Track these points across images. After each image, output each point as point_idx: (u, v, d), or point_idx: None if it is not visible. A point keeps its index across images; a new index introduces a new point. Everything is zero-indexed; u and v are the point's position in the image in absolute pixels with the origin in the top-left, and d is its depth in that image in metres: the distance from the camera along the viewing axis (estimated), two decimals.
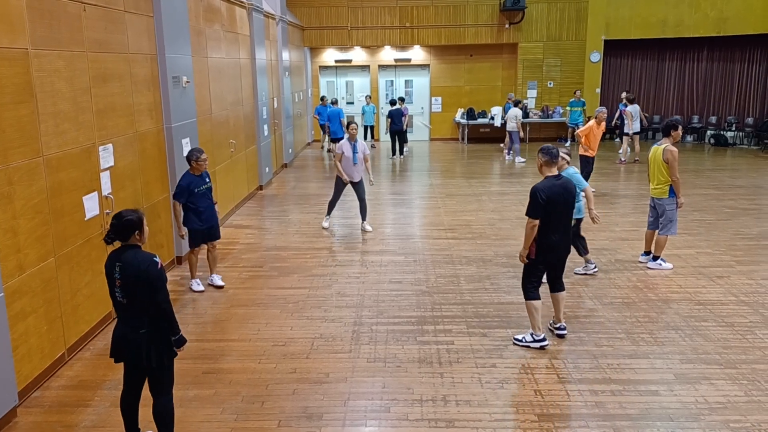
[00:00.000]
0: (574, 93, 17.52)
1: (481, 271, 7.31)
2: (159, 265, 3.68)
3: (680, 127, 7.14)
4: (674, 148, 6.99)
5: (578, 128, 17.43)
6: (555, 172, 5.20)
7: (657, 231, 7.29)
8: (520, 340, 5.40)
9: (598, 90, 18.73)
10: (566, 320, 5.80)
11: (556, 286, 5.51)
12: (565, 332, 5.56)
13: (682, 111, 19.10)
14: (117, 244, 3.79)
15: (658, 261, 7.32)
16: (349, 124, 8.89)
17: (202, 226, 6.63)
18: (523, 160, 15.25)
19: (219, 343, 5.52)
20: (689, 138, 18.72)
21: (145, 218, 3.86)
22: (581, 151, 10.95)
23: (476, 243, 8.49)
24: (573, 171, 6.57)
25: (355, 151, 8.74)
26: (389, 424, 4.29)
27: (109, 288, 3.78)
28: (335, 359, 5.20)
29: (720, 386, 4.69)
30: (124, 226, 3.70)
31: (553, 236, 5.15)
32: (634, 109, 14.80)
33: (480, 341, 5.49)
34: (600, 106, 17.56)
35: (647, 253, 7.50)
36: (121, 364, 3.90)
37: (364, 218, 9.23)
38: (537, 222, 5.08)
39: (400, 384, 4.79)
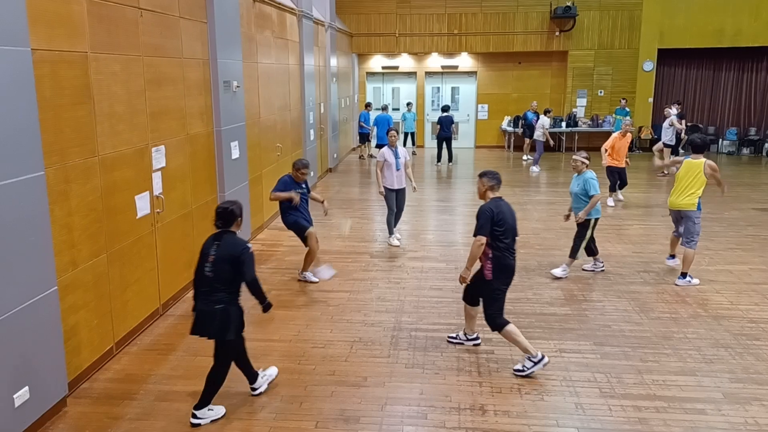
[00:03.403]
0: (620, 101, 17.37)
1: (523, 281, 7.21)
2: (250, 250, 4.35)
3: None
4: (712, 162, 7.19)
5: None
6: (498, 194, 5.13)
7: (684, 245, 7.17)
8: (522, 371, 5.01)
9: (651, 99, 18.28)
10: (611, 334, 5.70)
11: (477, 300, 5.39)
12: (479, 341, 5.55)
13: (739, 123, 18.44)
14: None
15: (687, 278, 7.09)
16: (388, 131, 8.73)
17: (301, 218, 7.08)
18: (537, 170, 14.97)
19: (261, 343, 5.61)
20: (745, 150, 18.06)
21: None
22: (608, 162, 11.09)
23: (519, 252, 8.28)
24: (591, 175, 7.08)
25: (397, 157, 8.55)
26: (426, 431, 4.27)
27: (198, 264, 4.37)
28: (373, 363, 5.22)
29: None
30: (230, 215, 4.41)
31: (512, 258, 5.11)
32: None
33: (521, 351, 5.41)
34: (659, 116, 17.09)
35: (673, 256, 7.62)
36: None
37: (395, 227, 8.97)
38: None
39: (438, 391, 4.77)
